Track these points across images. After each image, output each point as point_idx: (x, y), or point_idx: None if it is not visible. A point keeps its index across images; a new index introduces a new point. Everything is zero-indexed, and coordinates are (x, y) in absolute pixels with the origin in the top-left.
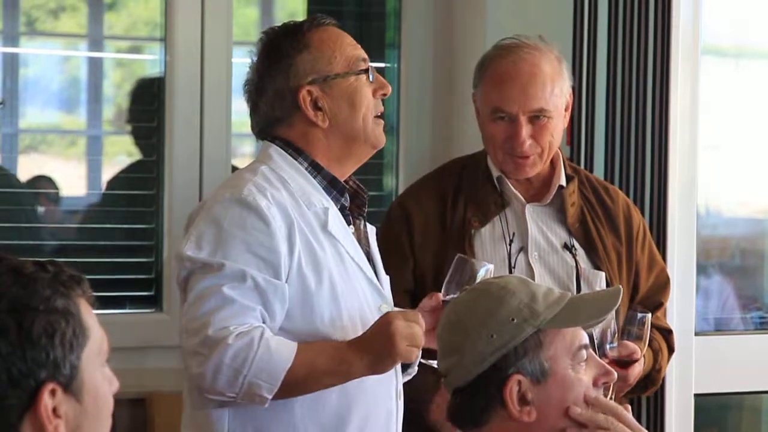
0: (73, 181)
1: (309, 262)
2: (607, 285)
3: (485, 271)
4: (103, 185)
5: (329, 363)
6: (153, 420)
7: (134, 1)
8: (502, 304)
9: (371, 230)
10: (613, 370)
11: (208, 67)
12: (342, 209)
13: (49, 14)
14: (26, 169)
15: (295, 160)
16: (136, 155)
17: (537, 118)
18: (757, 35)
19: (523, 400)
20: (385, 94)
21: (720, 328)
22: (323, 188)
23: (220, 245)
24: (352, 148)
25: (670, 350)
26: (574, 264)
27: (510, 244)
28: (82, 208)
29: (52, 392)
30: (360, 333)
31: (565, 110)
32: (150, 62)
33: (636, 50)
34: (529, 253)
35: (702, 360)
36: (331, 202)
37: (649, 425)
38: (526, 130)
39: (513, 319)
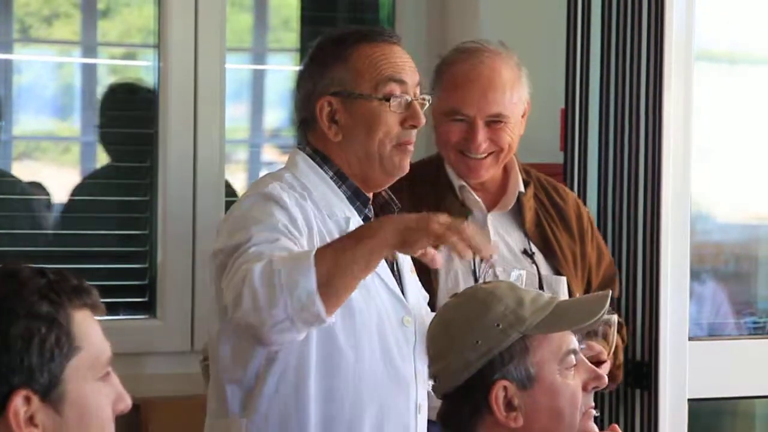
0: (67, 187)
1: None
2: (568, 290)
3: (517, 276)
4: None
5: (352, 237)
6: (147, 426)
7: (128, 8)
8: (488, 309)
9: None
10: (604, 375)
11: (201, 73)
12: (366, 220)
13: (42, 21)
14: (20, 175)
15: (321, 168)
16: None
17: (494, 122)
18: (751, 40)
19: (509, 406)
20: (414, 126)
21: (714, 333)
22: (347, 198)
23: (246, 228)
24: (367, 170)
25: (624, 342)
26: (536, 271)
27: (474, 255)
28: (75, 215)
29: (27, 399)
30: (377, 346)
31: (522, 117)
32: (144, 69)
33: (629, 56)
34: (495, 265)
35: (696, 365)
36: (354, 213)
37: (642, 430)
38: (483, 133)
39: (498, 325)
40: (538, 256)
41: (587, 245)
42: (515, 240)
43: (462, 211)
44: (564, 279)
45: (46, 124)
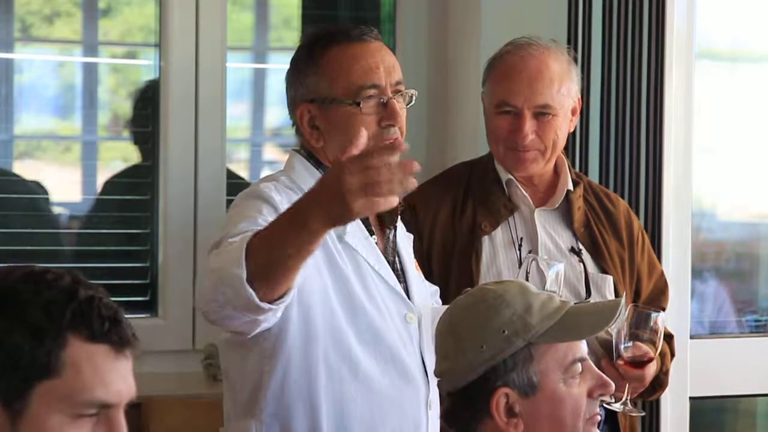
0: (68, 186)
1: (326, 272)
2: (614, 289)
3: (554, 271)
4: (98, 189)
5: (283, 221)
6: (148, 425)
7: (129, 7)
8: (495, 314)
9: (406, 238)
10: (611, 382)
11: (202, 72)
12: (364, 220)
13: (43, 20)
14: (21, 175)
15: (317, 169)
16: (132, 161)
17: (542, 114)
18: (752, 39)
19: (510, 412)
20: (391, 125)
21: (715, 331)
22: None
23: (228, 225)
24: None
25: (672, 355)
26: (583, 268)
27: (519, 249)
28: (77, 214)
29: None
30: (382, 345)
31: (573, 114)
32: (145, 68)
33: (630, 55)
34: (539, 257)
35: (697, 363)
36: None
37: (644, 428)
38: (530, 124)
39: (504, 331)
40: (586, 255)
41: (636, 254)
42: (563, 238)
43: (508, 206)
44: (610, 278)
45: (47, 123)
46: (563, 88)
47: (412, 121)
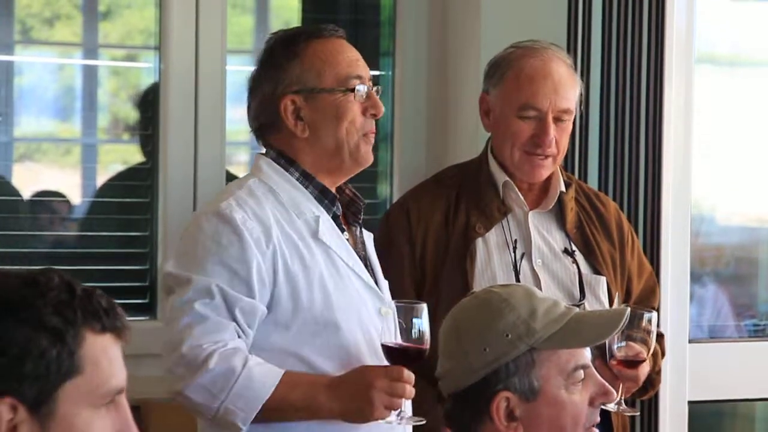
0: (67, 189)
1: (299, 271)
2: (607, 290)
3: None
4: (96, 192)
5: (302, 399)
6: (147, 428)
7: (129, 10)
8: (499, 317)
9: (368, 237)
10: (613, 390)
11: (202, 75)
12: (335, 217)
13: (44, 23)
14: (21, 177)
15: (286, 170)
16: (131, 163)
17: (560, 120)
18: (752, 43)
19: (510, 416)
20: (375, 115)
21: (714, 335)
22: (315, 197)
23: (193, 260)
24: (336, 161)
25: (662, 354)
26: (576, 270)
27: (514, 251)
28: (76, 216)
29: (14, 408)
30: (359, 337)
31: None
32: (145, 70)
33: (630, 59)
34: (533, 260)
35: (696, 367)
36: (323, 211)
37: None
38: (552, 128)
39: (507, 335)
40: (579, 256)
41: (627, 254)
42: (556, 239)
43: (501, 209)
44: (603, 279)
45: (47, 125)
46: (576, 93)
47: (412, 121)
